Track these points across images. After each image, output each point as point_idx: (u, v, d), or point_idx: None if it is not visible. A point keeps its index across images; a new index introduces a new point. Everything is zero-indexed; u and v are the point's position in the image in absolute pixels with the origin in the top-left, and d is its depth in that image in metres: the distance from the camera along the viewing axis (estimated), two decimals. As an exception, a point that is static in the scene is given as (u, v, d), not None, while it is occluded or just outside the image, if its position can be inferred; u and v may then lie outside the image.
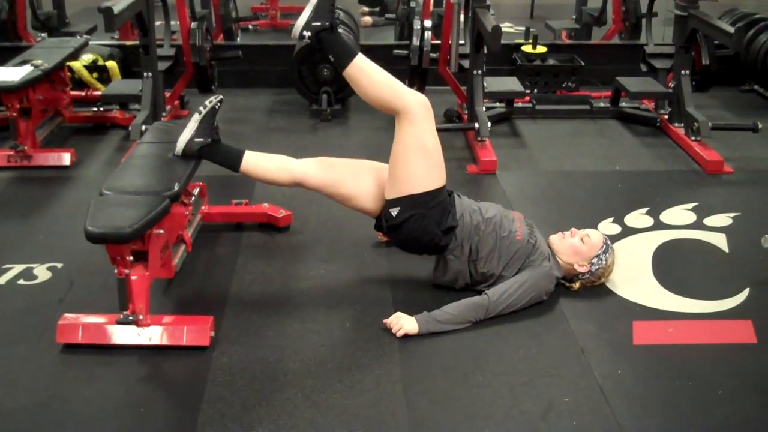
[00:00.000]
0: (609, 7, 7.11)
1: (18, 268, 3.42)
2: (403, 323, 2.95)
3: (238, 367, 2.77)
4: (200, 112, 3.12)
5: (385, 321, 3.00)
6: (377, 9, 8.44)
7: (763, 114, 5.52)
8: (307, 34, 3.15)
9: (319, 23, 3.13)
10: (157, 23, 5.21)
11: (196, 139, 3.14)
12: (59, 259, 3.49)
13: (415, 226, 3.07)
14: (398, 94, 3.09)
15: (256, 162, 3.22)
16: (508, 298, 3.04)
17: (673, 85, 5.19)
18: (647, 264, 3.52)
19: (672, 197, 4.22)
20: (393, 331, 2.96)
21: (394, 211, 3.08)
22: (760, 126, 4.89)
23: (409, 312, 3.00)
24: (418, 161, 3.06)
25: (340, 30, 5.32)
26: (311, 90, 5.59)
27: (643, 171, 4.67)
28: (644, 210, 4.04)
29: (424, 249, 3.19)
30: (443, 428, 2.49)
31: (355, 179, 3.19)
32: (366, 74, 3.13)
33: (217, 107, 3.16)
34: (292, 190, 3.90)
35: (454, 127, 5.23)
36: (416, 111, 3.05)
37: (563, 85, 5.84)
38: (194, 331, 2.87)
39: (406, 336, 2.94)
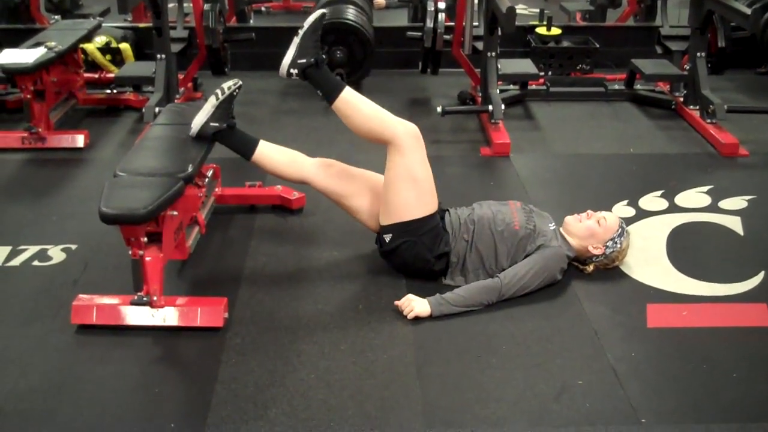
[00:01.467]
0: (624, -11, 7.07)
1: (32, 250, 3.43)
2: (415, 305, 2.95)
3: (252, 348, 2.78)
4: (218, 97, 3.11)
5: (396, 303, 3.00)
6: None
7: (780, 96, 5.48)
8: (294, 71, 3.18)
9: (304, 60, 3.15)
10: (170, 5, 5.20)
11: (212, 124, 3.14)
12: (73, 240, 3.51)
13: (407, 253, 3.11)
14: (386, 125, 3.10)
15: (268, 154, 3.24)
16: (520, 280, 3.03)
17: (688, 68, 5.15)
18: (662, 247, 3.51)
19: (687, 180, 4.19)
20: (404, 313, 2.96)
21: (387, 238, 3.12)
22: (776, 108, 4.86)
23: (422, 294, 3.00)
24: (408, 190, 3.07)
25: (350, 18, 5.34)
26: (324, 72, 5.57)
27: (657, 154, 4.64)
28: (659, 193, 4.02)
29: (418, 274, 3.18)
30: (456, 410, 2.50)
31: (360, 196, 3.21)
32: (354, 107, 3.16)
33: (235, 93, 3.16)
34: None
35: (467, 110, 5.22)
36: (405, 141, 3.07)
37: (578, 68, 5.81)
38: (208, 313, 2.87)
39: (418, 318, 2.94)
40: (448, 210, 3.26)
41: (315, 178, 3.24)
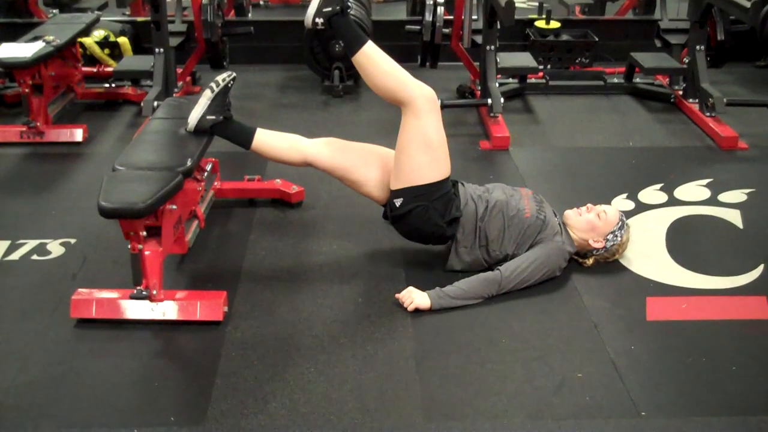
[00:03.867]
0: (623, -18, 7.06)
1: (31, 244, 3.43)
2: (415, 297, 2.96)
3: (252, 342, 2.78)
4: (212, 89, 3.10)
5: (397, 295, 3.00)
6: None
7: (779, 90, 5.48)
8: (319, 21, 3.14)
9: (329, 8, 3.12)
10: (169, -1, 5.19)
11: (208, 117, 3.13)
12: (72, 234, 3.50)
13: (419, 218, 3.08)
14: (404, 86, 3.08)
15: (267, 140, 3.22)
16: (520, 273, 3.03)
17: (687, 61, 5.15)
18: (661, 240, 3.51)
19: (686, 173, 4.19)
20: (404, 305, 2.96)
21: (398, 202, 3.09)
22: (775, 102, 4.86)
23: (422, 288, 3.00)
24: (422, 154, 3.06)
25: (351, 12, 5.33)
26: (323, 66, 5.58)
27: (657, 147, 4.64)
28: (658, 186, 4.02)
29: (428, 239, 3.20)
30: (456, 403, 2.50)
31: (365, 166, 3.19)
32: (374, 62, 3.12)
33: (230, 85, 3.15)
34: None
35: (466, 103, 5.22)
36: (421, 104, 3.05)
37: (577, 61, 5.79)
38: (207, 306, 2.87)
39: (418, 311, 2.94)
40: (459, 182, 3.25)
41: (317, 157, 3.21)
